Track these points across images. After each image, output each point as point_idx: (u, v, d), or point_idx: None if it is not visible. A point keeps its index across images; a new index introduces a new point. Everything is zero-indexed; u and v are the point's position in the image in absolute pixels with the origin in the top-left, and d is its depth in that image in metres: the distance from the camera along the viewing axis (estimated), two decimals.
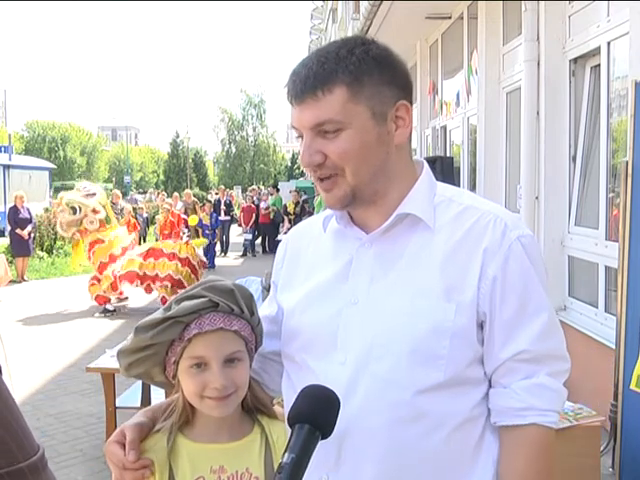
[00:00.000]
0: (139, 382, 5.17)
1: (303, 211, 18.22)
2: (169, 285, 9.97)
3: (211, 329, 1.45)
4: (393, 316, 1.35)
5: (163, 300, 9.81)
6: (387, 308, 1.37)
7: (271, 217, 19.43)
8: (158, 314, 1.48)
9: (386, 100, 1.36)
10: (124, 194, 30.34)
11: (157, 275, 10.06)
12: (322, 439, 1.17)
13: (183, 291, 1.52)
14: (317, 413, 1.17)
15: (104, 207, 10.44)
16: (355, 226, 1.47)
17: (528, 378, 1.36)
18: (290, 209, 18.72)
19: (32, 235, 14.11)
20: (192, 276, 10.11)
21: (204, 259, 10.91)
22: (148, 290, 10.22)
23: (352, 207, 1.41)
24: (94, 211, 10.14)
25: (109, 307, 10.35)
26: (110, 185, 51.66)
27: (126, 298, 11.18)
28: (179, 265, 10.05)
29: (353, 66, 1.32)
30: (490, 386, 1.41)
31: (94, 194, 10.37)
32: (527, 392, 1.36)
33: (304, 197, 19.31)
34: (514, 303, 1.35)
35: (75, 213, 10.04)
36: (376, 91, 1.34)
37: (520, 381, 1.36)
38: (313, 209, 17.31)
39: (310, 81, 1.32)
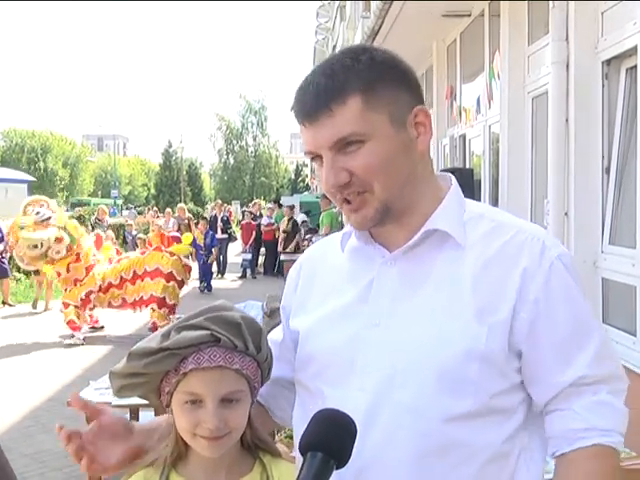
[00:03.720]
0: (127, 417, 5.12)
1: (295, 228, 18.24)
2: (166, 311, 10.04)
3: (209, 366, 1.43)
4: (418, 339, 1.36)
5: (154, 326, 9.80)
6: (411, 331, 1.37)
7: (275, 235, 19.33)
8: (154, 342, 1.47)
9: (403, 105, 1.38)
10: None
11: (142, 298, 10.17)
12: (337, 469, 1.15)
13: (185, 317, 1.51)
14: (331, 439, 1.16)
15: (65, 228, 10.02)
16: (376, 243, 1.48)
17: (589, 397, 1.37)
18: (283, 226, 18.45)
19: (6, 255, 14.00)
20: (177, 290, 10.28)
21: (189, 263, 10.96)
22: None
23: (381, 224, 1.42)
24: (57, 240, 9.80)
25: (78, 336, 10.29)
26: (97, 199, 51.91)
27: (102, 327, 11.16)
28: (164, 282, 10.10)
29: (363, 73, 1.34)
30: (528, 416, 1.41)
31: (49, 218, 9.89)
32: (588, 411, 1.36)
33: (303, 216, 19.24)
34: (563, 325, 1.36)
35: (37, 247, 9.67)
36: (391, 96, 1.36)
37: (580, 400, 1.37)
38: (318, 226, 17.31)
39: (321, 97, 1.34)
